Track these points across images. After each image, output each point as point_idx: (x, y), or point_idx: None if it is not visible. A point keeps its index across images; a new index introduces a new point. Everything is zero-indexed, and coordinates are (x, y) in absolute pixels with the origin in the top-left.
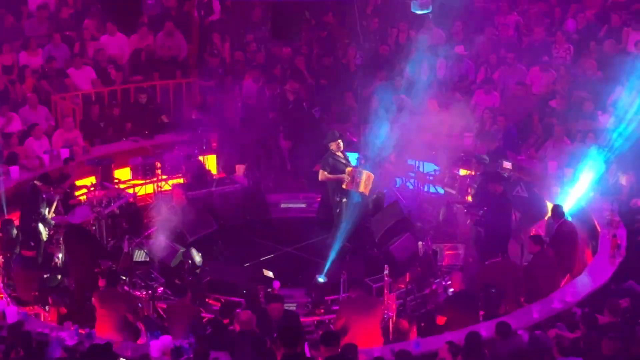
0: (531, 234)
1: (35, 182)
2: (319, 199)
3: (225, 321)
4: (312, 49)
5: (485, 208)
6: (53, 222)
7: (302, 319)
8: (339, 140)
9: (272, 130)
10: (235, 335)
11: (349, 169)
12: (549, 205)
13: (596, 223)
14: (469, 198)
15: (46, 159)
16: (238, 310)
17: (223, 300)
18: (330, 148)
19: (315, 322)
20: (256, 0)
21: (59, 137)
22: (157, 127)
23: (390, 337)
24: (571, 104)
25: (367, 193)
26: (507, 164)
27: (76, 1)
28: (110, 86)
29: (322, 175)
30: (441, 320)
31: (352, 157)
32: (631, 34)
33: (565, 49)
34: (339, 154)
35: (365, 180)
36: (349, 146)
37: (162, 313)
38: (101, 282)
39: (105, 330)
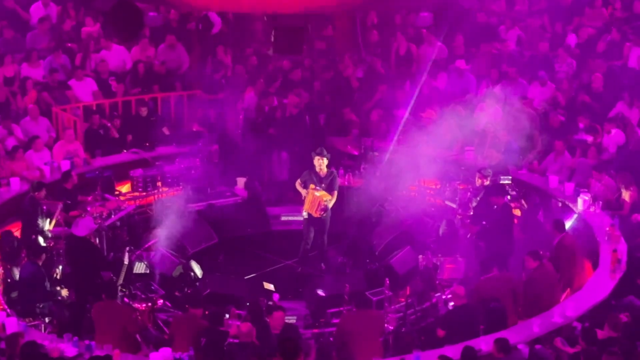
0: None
1: (33, 194)
2: None
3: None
4: (313, 62)
5: (484, 222)
6: (50, 235)
7: (301, 331)
8: (318, 158)
9: (274, 143)
10: (235, 346)
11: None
12: None
13: (597, 237)
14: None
15: (47, 170)
16: (238, 323)
17: (209, 310)
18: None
19: (315, 335)
20: (258, 15)
21: (60, 149)
22: (158, 139)
23: (391, 350)
24: (572, 118)
25: (313, 214)
26: (505, 179)
27: (78, 13)
28: (111, 98)
29: (297, 185)
30: (441, 333)
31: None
32: (633, 49)
33: (568, 63)
34: (319, 170)
35: (312, 201)
36: (350, 159)
37: (161, 325)
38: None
39: (105, 342)
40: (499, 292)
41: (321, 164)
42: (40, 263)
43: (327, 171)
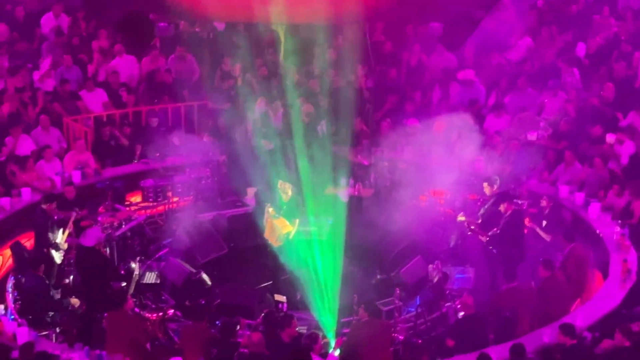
0: None
1: (43, 206)
2: (330, 222)
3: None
4: (323, 72)
5: (496, 229)
6: (65, 246)
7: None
8: (281, 182)
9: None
10: (246, 357)
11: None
12: None
13: (607, 247)
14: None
15: (58, 180)
16: (248, 332)
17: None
18: None
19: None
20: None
21: (71, 159)
22: (168, 149)
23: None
24: (582, 127)
25: (272, 242)
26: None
27: (89, 24)
28: (121, 109)
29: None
30: (451, 343)
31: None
32: None
33: (569, 72)
34: (282, 194)
35: (270, 229)
36: (360, 169)
37: (172, 335)
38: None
39: (115, 352)
40: (519, 303)
41: (284, 188)
42: (41, 273)
43: (292, 196)
